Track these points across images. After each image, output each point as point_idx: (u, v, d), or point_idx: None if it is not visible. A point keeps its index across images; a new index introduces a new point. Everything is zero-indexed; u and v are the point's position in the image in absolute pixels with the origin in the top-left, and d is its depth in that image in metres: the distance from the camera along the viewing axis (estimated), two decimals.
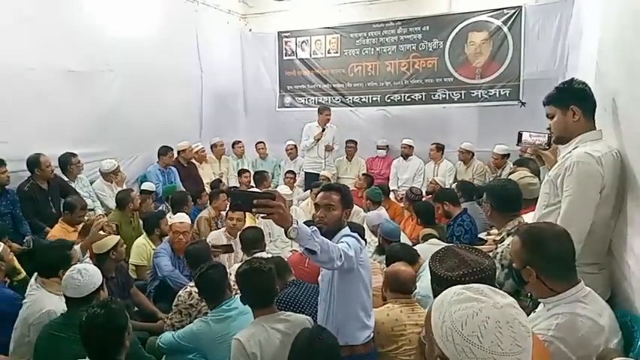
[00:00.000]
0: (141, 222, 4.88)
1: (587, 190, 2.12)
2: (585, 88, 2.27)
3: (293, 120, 7.23)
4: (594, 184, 2.12)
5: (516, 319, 1.06)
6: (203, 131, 7.52)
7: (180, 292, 3.10)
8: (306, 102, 7.79)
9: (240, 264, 3.73)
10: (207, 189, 6.16)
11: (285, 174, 6.83)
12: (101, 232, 3.25)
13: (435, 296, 1.77)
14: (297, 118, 7.11)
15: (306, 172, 6.72)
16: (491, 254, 2.31)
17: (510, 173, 4.42)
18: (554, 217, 2.19)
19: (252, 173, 6.75)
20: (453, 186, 5.66)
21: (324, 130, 6.70)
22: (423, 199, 5.37)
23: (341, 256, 1.97)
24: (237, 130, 7.98)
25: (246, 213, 4.65)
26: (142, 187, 5.54)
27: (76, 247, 2.98)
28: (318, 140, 6.68)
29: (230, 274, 3.19)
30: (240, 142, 7.60)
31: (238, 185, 6.41)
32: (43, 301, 2.62)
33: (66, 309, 2.46)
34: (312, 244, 1.81)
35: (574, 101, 2.24)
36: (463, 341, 1.04)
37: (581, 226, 2.11)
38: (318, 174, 6.79)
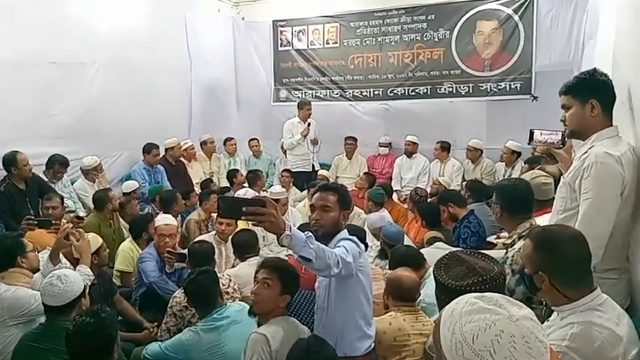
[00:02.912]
0: (122, 224, 4.86)
1: (608, 191, 2.10)
2: (607, 81, 2.21)
3: (289, 115, 7.23)
4: (615, 186, 2.10)
5: (533, 333, 1.04)
6: (192, 127, 7.51)
7: (175, 294, 3.11)
8: (303, 96, 7.77)
9: (232, 269, 3.78)
10: (197, 189, 6.15)
11: (281, 173, 6.82)
12: (76, 241, 3.09)
13: (440, 306, 1.76)
14: (293, 113, 7.10)
15: (294, 172, 6.76)
16: (500, 259, 2.30)
17: (522, 173, 4.42)
18: (572, 224, 2.15)
19: (246, 172, 6.75)
20: (462, 185, 5.66)
21: (309, 125, 6.75)
22: (429, 200, 5.37)
23: (338, 262, 1.96)
24: (229, 126, 7.98)
25: None
26: (122, 188, 5.53)
27: (44, 256, 2.95)
28: (305, 136, 6.73)
29: (226, 280, 3.20)
30: (232, 139, 7.60)
31: (229, 185, 6.40)
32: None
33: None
34: (307, 251, 1.81)
35: (594, 94, 2.19)
36: (474, 356, 1.02)
37: (602, 230, 2.09)
38: (309, 172, 6.82)
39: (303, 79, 7.84)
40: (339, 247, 2.10)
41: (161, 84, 6.73)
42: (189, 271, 3.21)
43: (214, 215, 4.93)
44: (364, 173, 6.71)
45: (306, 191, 6.15)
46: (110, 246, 4.04)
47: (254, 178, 6.21)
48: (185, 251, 3.68)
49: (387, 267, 3.43)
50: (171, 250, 3.77)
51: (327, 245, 2.03)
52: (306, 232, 1.85)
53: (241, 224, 4.46)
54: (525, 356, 1.02)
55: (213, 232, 4.38)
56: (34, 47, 5.03)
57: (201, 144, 7.23)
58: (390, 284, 2.80)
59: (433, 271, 1.82)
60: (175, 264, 3.78)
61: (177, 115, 7.19)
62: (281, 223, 1.75)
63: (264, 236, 4.78)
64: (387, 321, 2.62)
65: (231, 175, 6.66)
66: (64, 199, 4.66)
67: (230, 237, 4.02)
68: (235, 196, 4.43)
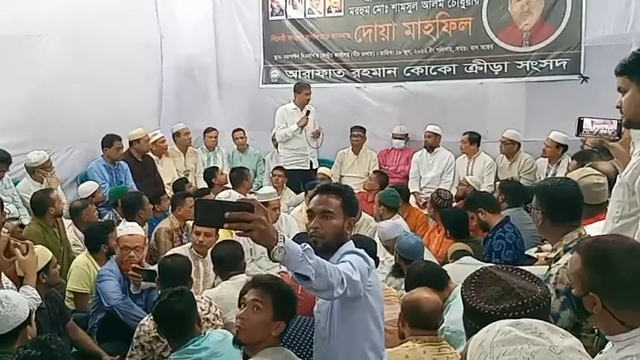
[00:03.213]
0: (67, 232, 4.86)
1: None
2: None
3: (282, 101, 7.22)
4: None
5: None
6: (163, 115, 7.52)
7: (143, 321, 3.12)
8: (300, 77, 7.77)
9: (212, 290, 3.77)
10: (169, 191, 6.16)
11: (272, 171, 6.83)
12: (22, 255, 3.01)
13: (468, 335, 1.76)
14: (287, 98, 7.10)
15: (288, 170, 6.76)
16: (542, 277, 2.30)
17: (569, 171, 4.42)
18: (631, 234, 2.14)
19: (229, 171, 6.75)
20: (495, 186, 5.65)
21: (308, 112, 6.76)
22: (454, 204, 5.36)
23: (342, 281, 1.96)
24: (209, 113, 7.99)
25: None
26: (79, 191, 5.52)
27: None
28: (302, 126, 6.73)
29: (205, 304, 3.20)
30: (212, 129, 7.62)
31: (208, 186, 6.41)
32: None
33: None
34: (304, 267, 1.80)
35: None
36: None
37: None
38: (306, 170, 6.84)
39: (300, 55, 7.84)
40: (343, 262, 2.09)
41: (125, 63, 6.73)
42: (159, 292, 3.20)
43: (190, 223, 4.92)
44: (374, 171, 6.71)
45: (302, 194, 6.16)
46: (59, 261, 4.03)
47: (239, 177, 6.21)
48: (154, 268, 3.68)
49: (403, 287, 3.42)
50: (137, 266, 3.76)
51: (328, 260, 2.02)
52: (303, 244, 1.84)
53: (223, 234, 4.46)
54: None
55: (189, 243, 4.38)
56: None
57: (173, 136, 7.24)
58: (406, 308, 2.79)
59: (460, 291, 1.81)
60: (142, 283, 3.78)
61: (144, 100, 7.19)
62: (272, 232, 1.74)
63: (251, 249, 4.77)
64: (403, 354, 2.61)
65: (211, 173, 6.68)
66: (4, 204, 4.65)
67: (209, 250, 4.01)
68: (216, 199, 4.42)
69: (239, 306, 2.44)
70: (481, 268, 1.88)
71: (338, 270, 1.96)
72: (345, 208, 2.28)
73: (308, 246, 1.85)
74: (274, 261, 1.77)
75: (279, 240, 1.74)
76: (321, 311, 2.37)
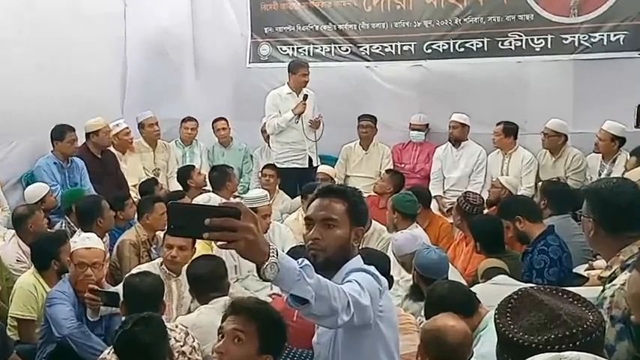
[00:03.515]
0: (10, 245, 4.87)
1: None
2: None
3: (274, 83, 7.21)
4: None
5: None
6: (127, 102, 7.52)
7: (103, 355, 3.10)
8: (296, 54, 7.77)
9: (187, 316, 3.75)
10: (135, 194, 6.16)
11: (262, 170, 6.83)
12: None
13: None
14: (281, 80, 7.10)
15: (282, 169, 6.76)
16: (594, 300, 2.29)
17: (627, 169, 4.41)
18: None
19: (208, 169, 6.73)
20: (536, 189, 5.64)
21: (305, 97, 6.76)
22: (485, 211, 5.36)
23: (349, 305, 1.95)
24: (184, 100, 8.00)
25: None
26: (25, 196, 5.50)
27: None
28: (299, 115, 6.73)
29: (180, 334, 3.19)
30: (188, 119, 7.62)
31: (183, 188, 6.40)
32: None
33: None
34: (302, 288, 1.78)
35: None
36: None
37: None
38: (304, 168, 6.85)
39: (296, 28, 7.84)
40: (349, 281, 2.09)
41: (79, 38, 6.72)
42: (122, 319, 3.19)
43: (160, 234, 4.92)
44: (387, 171, 6.70)
45: (299, 198, 6.14)
46: None
47: (220, 177, 6.21)
48: (117, 289, 3.66)
49: (423, 313, 3.42)
50: (95, 287, 3.75)
51: (330, 279, 2.02)
52: (300, 260, 1.83)
53: (201, 248, 4.45)
54: None
55: (159, 259, 4.37)
56: None
57: (140, 127, 7.24)
58: (427, 339, 2.78)
59: (494, 318, 1.81)
60: (102, 308, 3.77)
61: (104, 83, 7.18)
62: (263, 244, 1.72)
63: (235, 266, 4.75)
64: None
65: (186, 173, 6.65)
66: None
67: (184, 267, 4.01)
68: (193, 203, 4.42)
69: (218, 336, 2.44)
70: (519, 290, 1.87)
71: (343, 291, 1.95)
72: (351, 215, 2.28)
73: (306, 262, 1.83)
74: (265, 280, 1.74)
75: (271, 254, 1.72)
76: (321, 342, 2.37)
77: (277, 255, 1.73)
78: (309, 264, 1.84)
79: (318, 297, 1.82)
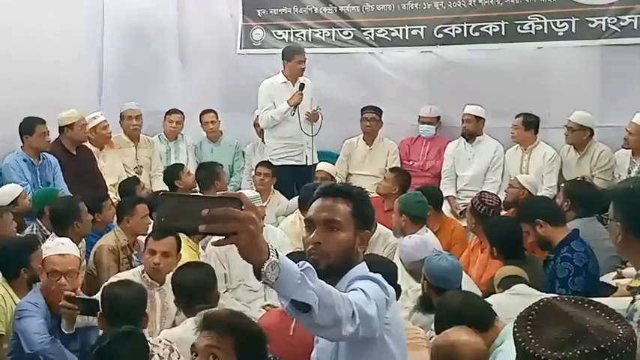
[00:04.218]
0: None
1: None
2: None
3: (268, 72, 7.21)
4: None
5: None
6: (105, 93, 7.51)
7: None
8: (292, 39, 7.78)
9: (172, 330, 3.75)
10: (114, 195, 6.16)
11: (256, 168, 6.82)
12: None
13: None
14: (275, 68, 7.09)
15: (277, 167, 6.76)
16: (624, 312, 2.30)
17: None
18: None
19: (196, 167, 6.74)
20: (559, 189, 5.65)
21: (302, 87, 6.76)
22: (502, 213, 5.37)
23: (354, 315, 1.94)
24: (168, 90, 7.99)
25: (185, 239, 4.62)
26: None
27: None
28: (295, 106, 6.74)
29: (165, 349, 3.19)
30: (174, 111, 7.61)
31: (169, 189, 6.39)
32: None
33: None
34: (304, 293, 1.76)
35: None
36: None
37: None
38: (302, 166, 6.86)
39: (292, 10, 7.85)
40: (353, 290, 2.09)
41: (50, 20, 6.71)
42: (100, 333, 3.20)
43: (142, 239, 4.92)
44: (390, 170, 6.66)
45: (296, 199, 6.13)
46: None
47: (208, 176, 6.21)
48: (97, 297, 3.67)
49: (433, 326, 3.41)
50: (71, 294, 3.74)
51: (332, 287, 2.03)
52: (301, 262, 1.81)
53: (187, 254, 4.45)
54: None
55: (140, 267, 4.38)
56: None
57: (120, 119, 7.23)
58: (438, 355, 2.79)
59: (513, 333, 1.81)
60: (79, 319, 3.76)
61: (78, 72, 7.18)
62: (262, 241, 1.73)
63: (225, 274, 4.77)
64: None
65: (174, 173, 6.61)
66: None
67: (169, 276, 4.01)
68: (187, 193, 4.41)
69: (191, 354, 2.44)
70: (541, 301, 1.88)
71: (348, 300, 1.95)
72: (356, 217, 2.28)
73: (308, 264, 1.82)
74: (264, 282, 1.71)
75: (271, 253, 1.70)
76: (321, 358, 2.37)
77: (277, 255, 1.71)
78: (311, 267, 1.82)
79: (321, 304, 1.81)
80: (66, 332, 3.80)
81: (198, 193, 5.48)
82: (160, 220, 1.73)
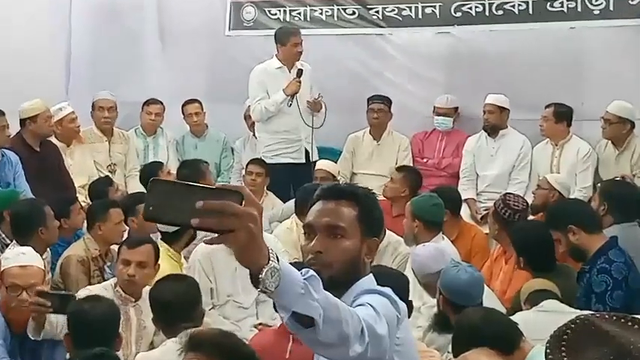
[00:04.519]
0: None
1: None
2: None
3: (260, 56, 7.21)
4: None
5: None
6: (73, 81, 7.51)
7: None
8: (288, 19, 7.79)
9: (150, 352, 3.73)
10: (84, 198, 6.16)
11: (247, 166, 6.83)
12: None
13: None
14: (268, 52, 7.09)
15: (271, 165, 6.77)
16: None
17: None
18: None
19: (177, 165, 6.75)
20: (595, 190, 5.64)
21: (300, 73, 6.77)
22: (530, 217, 5.36)
23: (363, 332, 1.93)
24: (146, 78, 8.02)
25: (165, 248, 4.63)
26: None
27: None
28: (292, 96, 6.75)
29: None
30: (153, 102, 7.60)
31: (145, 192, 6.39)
32: None
33: None
34: (308, 304, 1.74)
35: None
36: None
37: None
38: (300, 164, 6.89)
39: None
40: (361, 305, 2.08)
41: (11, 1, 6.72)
42: (67, 356, 3.18)
43: (115, 248, 4.88)
44: (398, 169, 6.62)
45: (292, 202, 6.14)
46: None
47: (192, 175, 6.13)
48: (73, 294, 3.70)
49: (450, 348, 3.42)
50: (44, 289, 3.75)
51: None
52: (304, 270, 1.79)
53: (167, 265, 4.44)
54: None
55: (113, 279, 4.37)
56: None
57: (92, 110, 7.22)
58: None
59: (545, 356, 1.80)
60: (47, 327, 3.71)
61: (43, 57, 7.19)
62: (263, 244, 1.69)
63: (212, 288, 4.76)
64: None
65: (152, 172, 6.59)
66: None
67: (146, 290, 4.01)
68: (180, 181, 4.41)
69: None
70: (577, 318, 1.87)
71: (357, 316, 1.94)
72: (363, 222, 2.27)
73: (312, 272, 1.80)
74: (262, 291, 1.68)
75: (271, 258, 1.67)
76: None
77: (278, 261, 1.68)
78: (316, 275, 1.81)
79: (326, 318, 1.79)
80: (32, 338, 3.77)
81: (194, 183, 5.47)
82: (148, 209, 1.68)
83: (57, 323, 3.71)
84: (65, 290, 4.79)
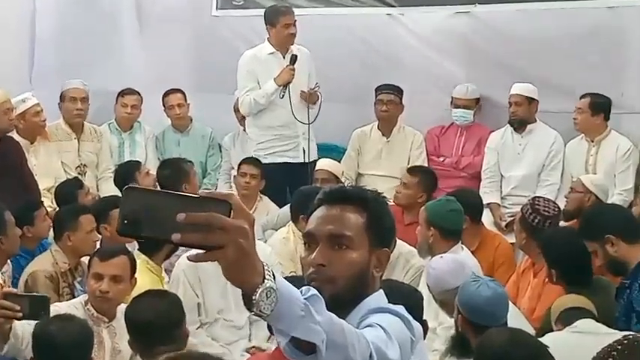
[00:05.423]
0: None
1: None
2: None
3: (251, 40, 7.28)
4: None
5: None
6: (38, 69, 7.54)
7: None
8: None
9: None
10: (50, 203, 6.17)
11: (239, 166, 6.86)
12: None
13: None
14: (260, 35, 7.12)
15: (265, 165, 6.81)
16: None
17: None
18: None
19: (157, 165, 6.80)
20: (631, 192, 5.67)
21: (294, 60, 6.80)
22: (562, 224, 5.38)
23: (371, 357, 1.92)
24: (121, 64, 8.05)
25: (142, 260, 4.65)
26: None
27: None
28: (285, 86, 6.77)
29: None
30: (131, 92, 7.62)
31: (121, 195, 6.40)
32: None
33: None
34: (309, 329, 1.73)
35: None
36: None
37: None
38: (297, 164, 6.94)
39: None
40: (369, 326, 2.08)
41: None
42: None
43: (86, 260, 4.90)
44: (409, 170, 6.68)
45: (288, 207, 6.14)
46: None
47: (174, 176, 6.26)
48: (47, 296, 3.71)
49: None
50: (13, 290, 3.80)
51: None
52: (304, 289, 1.80)
53: (147, 280, 4.46)
54: None
55: (83, 296, 4.39)
56: None
57: (61, 101, 7.24)
58: None
59: None
60: (11, 339, 3.71)
61: (3, 40, 7.21)
62: (256, 260, 1.69)
63: (199, 303, 4.79)
64: None
65: (128, 172, 6.65)
66: None
67: (123, 307, 4.01)
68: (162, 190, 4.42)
69: None
70: (625, 339, 1.88)
71: (365, 339, 1.94)
72: (371, 231, 2.27)
73: (314, 291, 1.80)
74: (257, 314, 1.65)
75: (267, 276, 1.66)
76: None
77: (274, 278, 1.67)
78: (318, 294, 1.80)
79: (330, 343, 1.80)
80: None
81: (175, 191, 5.48)
82: (123, 222, 1.66)
83: (22, 338, 3.66)
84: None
